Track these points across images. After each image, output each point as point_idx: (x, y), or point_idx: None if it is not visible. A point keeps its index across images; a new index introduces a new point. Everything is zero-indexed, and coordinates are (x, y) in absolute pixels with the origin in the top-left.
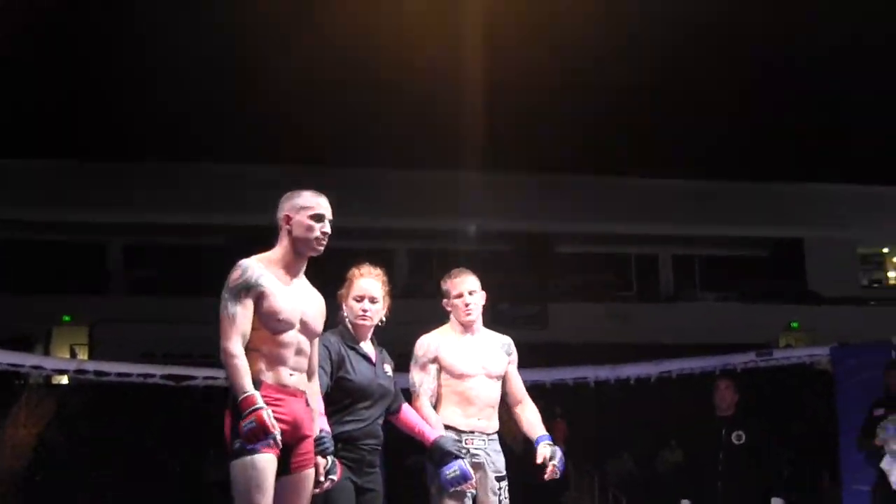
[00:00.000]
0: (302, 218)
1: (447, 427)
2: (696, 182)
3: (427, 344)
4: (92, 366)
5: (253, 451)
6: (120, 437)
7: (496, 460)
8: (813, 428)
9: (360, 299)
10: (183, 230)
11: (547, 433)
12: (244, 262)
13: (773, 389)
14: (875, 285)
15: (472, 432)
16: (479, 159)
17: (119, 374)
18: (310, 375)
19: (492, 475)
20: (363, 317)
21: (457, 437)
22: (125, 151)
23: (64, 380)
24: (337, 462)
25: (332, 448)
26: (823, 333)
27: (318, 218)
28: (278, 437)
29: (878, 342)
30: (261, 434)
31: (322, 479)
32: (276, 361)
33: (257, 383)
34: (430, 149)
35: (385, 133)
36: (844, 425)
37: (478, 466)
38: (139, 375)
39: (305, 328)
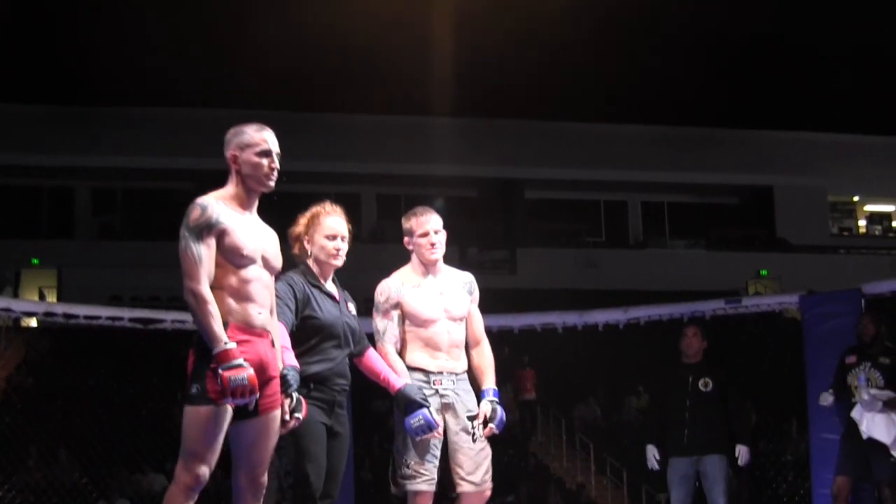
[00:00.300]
0: (249, 156)
1: (415, 369)
2: (667, 129)
3: (388, 289)
4: (61, 308)
5: (216, 403)
6: (88, 380)
7: (467, 399)
8: (781, 376)
9: (332, 238)
10: (151, 174)
11: (495, 387)
12: (202, 200)
13: (741, 337)
14: (845, 234)
15: (441, 373)
16: (448, 105)
17: (87, 317)
18: (271, 312)
19: (463, 415)
20: (336, 255)
21: (425, 379)
22: (94, 96)
23: (33, 322)
24: (302, 400)
25: (296, 385)
26: (792, 281)
27: (265, 154)
28: (252, 403)
29: (847, 291)
30: (247, 392)
31: (287, 417)
32: (243, 299)
33: (224, 324)
34: (399, 94)
35: (355, 78)
36: (812, 373)
37: (448, 407)
38: (108, 318)
39: (267, 264)
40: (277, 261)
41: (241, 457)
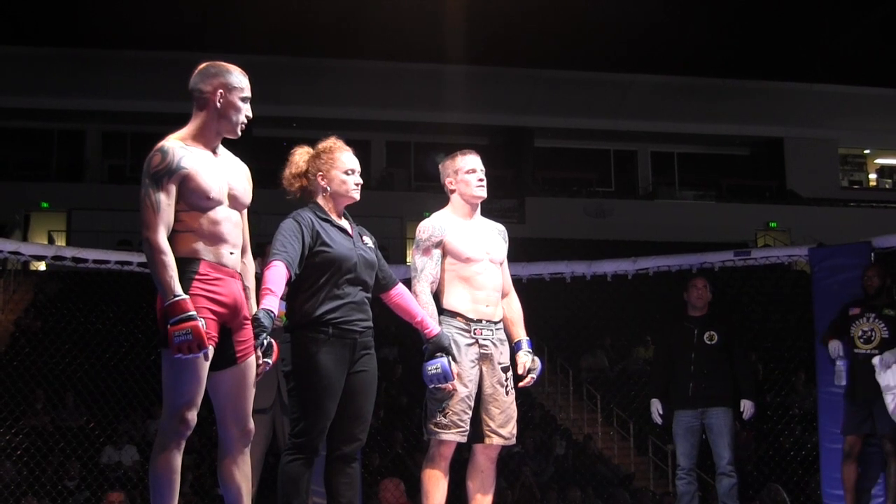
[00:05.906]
0: (234, 99)
1: (455, 314)
2: (678, 79)
3: (432, 227)
4: (70, 252)
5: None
6: (96, 324)
7: (503, 351)
8: (789, 328)
9: (350, 172)
10: (161, 118)
11: (527, 337)
12: (163, 144)
13: (750, 289)
14: (855, 187)
15: (481, 321)
16: (459, 52)
17: (96, 262)
18: (243, 251)
19: (499, 367)
20: (356, 190)
21: (465, 327)
22: (105, 39)
23: (42, 266)
24: (274, 344)
25: (269, 328)
26: (802, 233)
27: (247, 100)
28: (210, 353)
29: (857, 244)
30: (195, 347)
31: (259, 362)
32: (214, 240)
33: (196, 261)
34: (410, 41)
35: (366, 24)
36: (821, 326)
37: (485, 358)
38: (117, 263)
39: (235, 202)
40: (247, 197)
41: (226, 408)
